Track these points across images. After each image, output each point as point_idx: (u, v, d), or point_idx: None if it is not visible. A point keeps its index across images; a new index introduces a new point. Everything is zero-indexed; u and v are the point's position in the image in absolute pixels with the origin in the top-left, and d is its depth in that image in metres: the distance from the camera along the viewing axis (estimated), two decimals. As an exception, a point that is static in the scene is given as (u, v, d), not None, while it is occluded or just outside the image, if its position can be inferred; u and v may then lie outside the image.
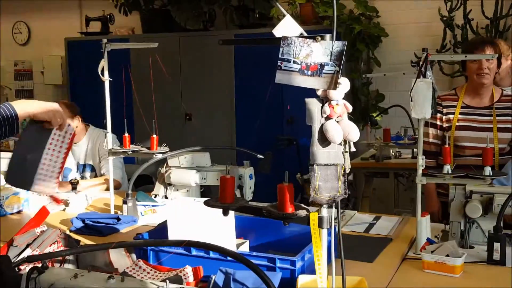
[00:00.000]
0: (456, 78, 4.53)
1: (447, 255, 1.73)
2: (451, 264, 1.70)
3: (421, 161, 1.95)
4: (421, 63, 1.88)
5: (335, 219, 1.22)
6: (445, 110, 2.68)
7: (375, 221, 2.34)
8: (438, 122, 2.70)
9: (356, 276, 1.53)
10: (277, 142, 4.23)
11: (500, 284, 1.68)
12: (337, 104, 1.17)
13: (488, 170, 1.95)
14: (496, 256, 1.82)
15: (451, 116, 2.66)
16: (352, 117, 1.20)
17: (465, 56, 2.07)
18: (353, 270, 1.68)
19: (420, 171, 1.95)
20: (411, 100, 1.91)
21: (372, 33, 4.73)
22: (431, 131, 2.70)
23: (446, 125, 2.68)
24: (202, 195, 2.72)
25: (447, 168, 1.98)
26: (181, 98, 5.26)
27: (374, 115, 4.63)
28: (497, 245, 1.82)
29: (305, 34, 1.19)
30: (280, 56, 1.16)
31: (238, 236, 1.83)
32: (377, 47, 4.86)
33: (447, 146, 2.00)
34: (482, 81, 2.55)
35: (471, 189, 2.04)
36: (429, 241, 1.82)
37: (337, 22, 4.60)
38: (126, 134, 2.41)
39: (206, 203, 1.31)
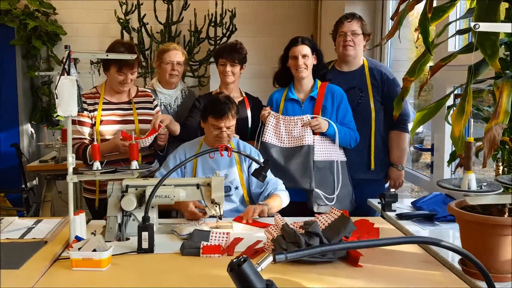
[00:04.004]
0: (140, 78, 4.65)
1: (95, 250, 1.76)
2: (97, 259, 1.74)
3: (71, 159, 1.94)
4: (64, 60, 1.86)
5: None
6: (90, 108, 2.72)
7: (35, 225, 2.23)
8: (87, 120, 2.72)
9: None
10: None
11: (148, 272, 1.79)
12: None
13: (134, 164, 2.08)
14: (145, 244, 1.95)
15: (95, 113, 2.72)
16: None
17: (107, 55, 2.17)
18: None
19: (71, 169, 1.94)
20: (57, 98, 1.87)
21: (49, 30, 4.52)
22: (80, 128, 2.69)
23: (94, 121, 2.72)
24: None
25: (97, 165, 2.02)
26: None
27: (55, 115, 4.44)
28: (145, 234, 1.95)
29: None
30: None
31: None
32: (56, 44, 4.68)
33: (95, 143, 2.04)
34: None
35: (127, 183, 2.15)
36: (77, 239, 1.82)
37: (10, 17, 4.19)
38: None
39: None
